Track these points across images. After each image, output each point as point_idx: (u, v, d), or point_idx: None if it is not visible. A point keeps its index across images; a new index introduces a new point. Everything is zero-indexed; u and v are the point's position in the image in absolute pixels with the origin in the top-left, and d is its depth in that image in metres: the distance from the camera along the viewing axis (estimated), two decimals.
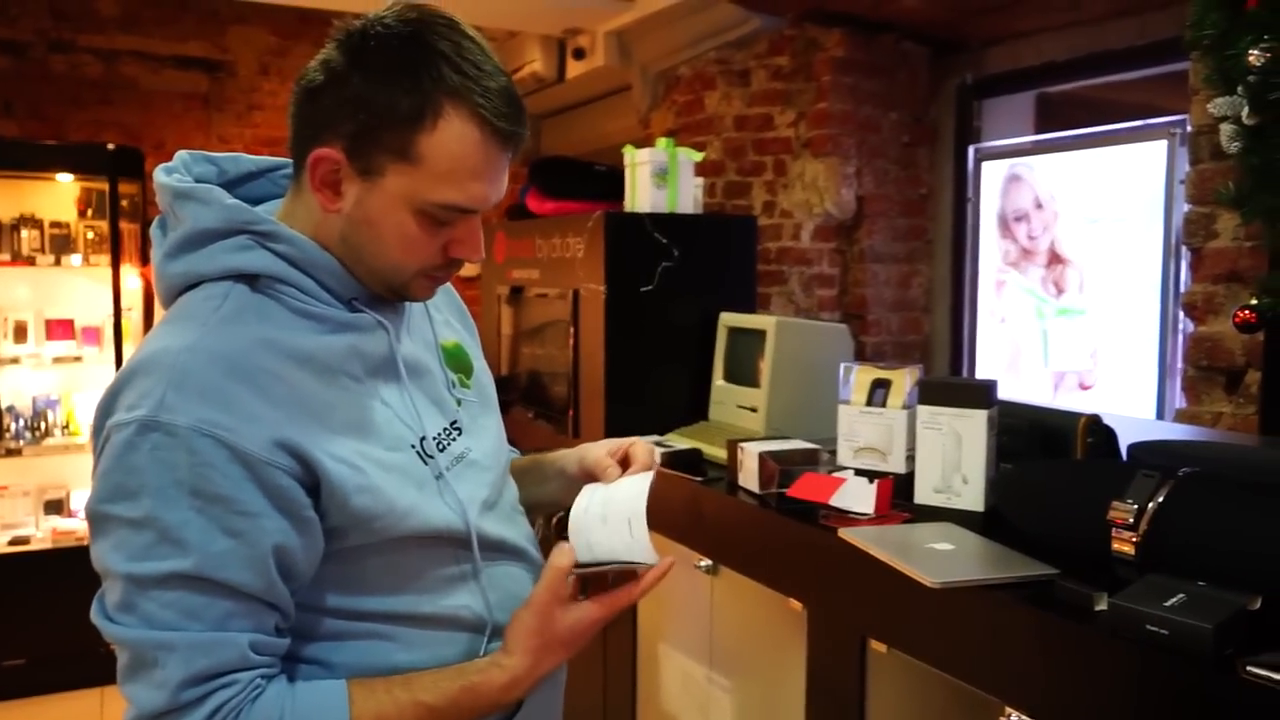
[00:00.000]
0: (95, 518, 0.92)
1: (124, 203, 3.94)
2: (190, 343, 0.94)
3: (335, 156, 0.98)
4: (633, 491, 1.11)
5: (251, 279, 1.00)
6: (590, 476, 1.19)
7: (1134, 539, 1.23)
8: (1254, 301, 1.72)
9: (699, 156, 2.73)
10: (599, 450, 1.22)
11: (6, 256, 3.85)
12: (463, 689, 1.01)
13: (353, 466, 0.97)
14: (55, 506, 3.96)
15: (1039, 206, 3.08)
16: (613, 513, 1.08)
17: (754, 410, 2.36)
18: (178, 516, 0.89)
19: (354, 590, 1.01)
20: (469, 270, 5.23)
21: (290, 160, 1.09)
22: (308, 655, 1.00)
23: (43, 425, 3.93)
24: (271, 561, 0.92)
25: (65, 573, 3.53)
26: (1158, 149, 2.67)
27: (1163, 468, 1.28)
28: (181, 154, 1.08)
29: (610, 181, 2.87)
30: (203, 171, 1.07)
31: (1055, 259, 3.03)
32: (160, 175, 1.05)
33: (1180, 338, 2.60)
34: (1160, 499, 1.23)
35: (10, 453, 3.82)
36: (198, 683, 0.90)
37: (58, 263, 3.90)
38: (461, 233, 1.03)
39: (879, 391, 1.87)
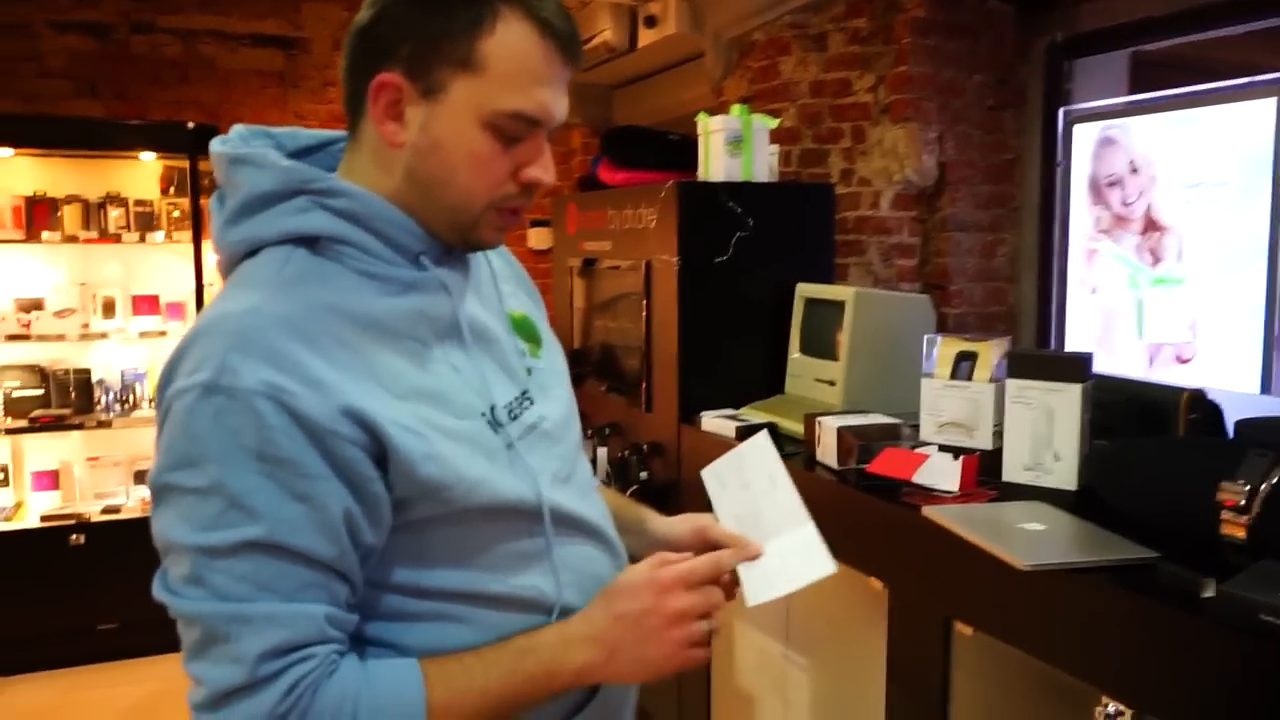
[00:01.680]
0: (158, 489, 0.90)
1: (205, 180, 4.01)
2: (252, 306, 0.92)
3: (396, 81, 0.96)
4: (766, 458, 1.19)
5: (312, 242, 0.97)
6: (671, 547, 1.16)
7: (1246, 522, 1.16)
8: None
9: (774, 123, 2.66)
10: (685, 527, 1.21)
11: (95, 234, 3.97)
12: (535, 659, 0.98)
13: (418, 434, 0.93)
14: (144, 476, 4.07)
15: (1134, 171, 2.93)
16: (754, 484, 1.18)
17: (832, 384, 2.30)
18: (246, 482, 0.86)
19: (420, 564, 0.98)
20: (540, 243, 5.23)
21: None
22: (371, 635, 0.97)
23: (131, 398, 4.06)
24: (342, 527, 0.90)
25: None
26: (1265, 107, 2.52)
27: (1277, 446, 1.20)
28: (237, 128, 1.06)
29: (683, 151, 2.82)
30: (259, 145, 1.05)
31: (1151, 226, 2.89)
32: (215, 145, 1.03)
33: None
34: (1275, 480, 1.15)
35: (101, 424, 3.95)
36: (276, 656, 0.86)
37: (142, 239, 4.01)
38: (530, 152, 1.00)
39: (964, 364, 1.80)
